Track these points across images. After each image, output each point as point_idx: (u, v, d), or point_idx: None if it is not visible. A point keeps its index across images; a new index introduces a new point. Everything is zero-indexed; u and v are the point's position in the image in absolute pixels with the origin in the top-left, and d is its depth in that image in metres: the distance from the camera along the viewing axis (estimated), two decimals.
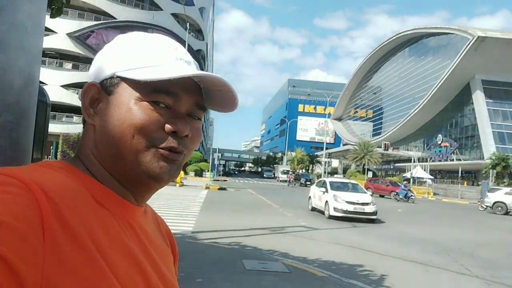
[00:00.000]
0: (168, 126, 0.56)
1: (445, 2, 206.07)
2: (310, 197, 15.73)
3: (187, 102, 0.59)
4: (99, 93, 0.59)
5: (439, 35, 61.59)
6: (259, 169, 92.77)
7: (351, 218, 12.74)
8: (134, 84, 0.56)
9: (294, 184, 40.46)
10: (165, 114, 0.57)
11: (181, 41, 40.27)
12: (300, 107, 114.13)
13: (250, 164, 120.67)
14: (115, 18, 39.83)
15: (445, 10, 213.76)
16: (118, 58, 0.59)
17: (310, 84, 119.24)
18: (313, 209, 15.12)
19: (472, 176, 55.57)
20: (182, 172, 30.73)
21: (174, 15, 44.22)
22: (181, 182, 24.30)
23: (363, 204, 13.07)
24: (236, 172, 79.87)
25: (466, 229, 13.98)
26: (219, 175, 45.73)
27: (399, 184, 34.16)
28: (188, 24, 32.95)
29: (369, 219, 13.00)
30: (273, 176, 64.02)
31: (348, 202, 12.94)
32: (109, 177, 0.57)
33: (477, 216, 20.05)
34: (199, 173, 36.75)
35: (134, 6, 41.84)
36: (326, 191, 13.88)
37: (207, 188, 23.73)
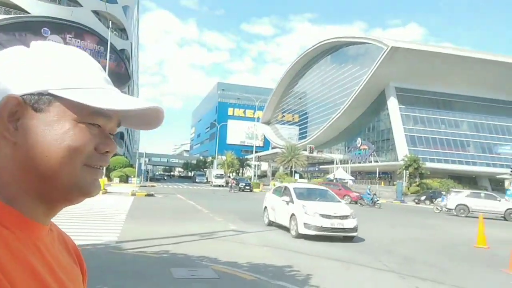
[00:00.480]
0: (103, 147, 0.58)
1: (362, 13, 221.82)
2: (265, 207, 12.91)
3: (113, 123, 0.61)
4: (18, 107, 0.54)
5: (358, 44, 65.83)
6: (190, 174, 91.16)
7: (326, 237, 10.06)
8: (72, 105, 0.55)
9: (235, 190, 39.14)
10: (98, 135, 0.58)
11: (103, 40, 38.29)
12: (230, 111, 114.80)
13: (180, 169, 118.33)
14: (28, 13, 36.67)
15: (362, 21, 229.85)
16: (44, 72, 0.55)
17: (239, 88, 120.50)
18: (271, 223, 12.31)
19: (388, 176, 60.05)
20: (105, 179, 29.14)
21: (95, 12, 41.92)
22: (104, 189, 23.02)
23: (341, 217, 10.09)
24: (165, 178, 77.35)
25: (384, 227, 15.07)
26: (146, 181, 44.11)
27: (350, 188, 34.89)
28: (110, 22, 31.45)
29: (348, 237, 10.18)
30: (205, 180, 60.27)
31: (323, 215, 9.99)
32: (20, 197, 0.55)
33: (395, 215, 21.72)
34: (124, 179, 35.13)
35: (50, 1, 38.89)
36: (291, 200, 10.93)
37: (133, 194, 22.75)
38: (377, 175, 52.76)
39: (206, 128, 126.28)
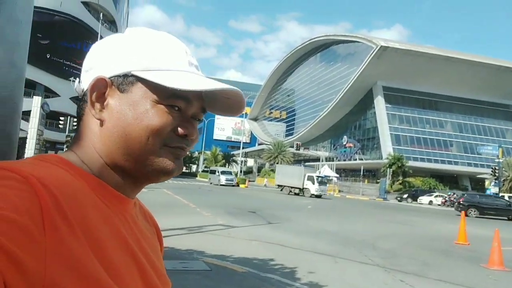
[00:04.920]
0: (180, 130, 0.60)
1: (348, 14, 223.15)
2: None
3: (195, 107, 0.63)
4: (106, 88, 0.59)
5: (347, 42, 66.29)
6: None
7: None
8: (152, 86, 0.58)
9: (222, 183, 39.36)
10: (177, 117, 0.60)
11: (93, 32, 37.74)
12: None
13: None
14: None
15: (348, 22, 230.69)
16: (131, 55, 0.59)
17: (227, 83, 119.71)
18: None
19: (372, 174, 60.90)
20: None
21: (85, 3, 41.25)
22: None
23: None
24: None
25: (367, 223, 15.38)
26: None
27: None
28: (101, 14, 31.02)
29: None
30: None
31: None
32: (108, 171, 0.59)
33: (378, 211, 22.10)
34: None
35: None
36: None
37: None
38: (362, 173, 53.44)
39: None
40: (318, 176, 33.44)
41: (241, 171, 66.06)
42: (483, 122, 60.45)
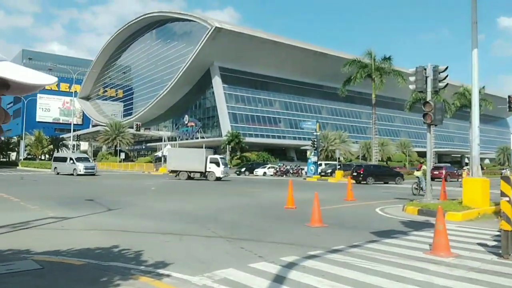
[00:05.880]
0: None
1: None
2: None
3: None
4: None
5: (183, 21, 65.95)
6: None
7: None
8: None
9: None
10: None
11: None
12: None
13: None
14: None
15: (182, 0, 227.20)
16: None
17: (51, 57, 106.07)
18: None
19: (213, 151, 63.20)
20: None
21: None
22: None
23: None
24: None
25: (211, 199, 16.06)
26: None
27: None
28: None
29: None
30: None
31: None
32: None
33: (220, 186, 23.20)
34: None
35: None
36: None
37: None
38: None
39: (9, 104, 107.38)
40: (222, 158, 32.42)
41: None
42: (304, 101, 69.08)
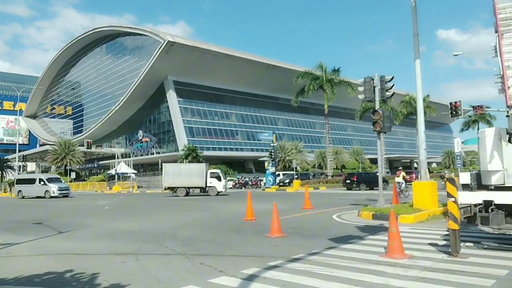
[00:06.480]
0: None
1: (131, 6, 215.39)
2: None
3: None
4: None
5: (134, 35, 64.78)
6: None
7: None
8: None
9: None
10: None
11: None
12: None
13: None
14: None
15: (132, 14, 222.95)
16: None
17: None
18: None
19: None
20: None
21: None
22: None
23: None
24: None
25: (169, 215, 15.66)
26: None
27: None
28: None
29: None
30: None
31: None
32: None
33: (178, 202, 22.70)
34: None
35: None
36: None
37: None
38: (160, 166, 53.80)
39: None
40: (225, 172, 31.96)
41: None
42: (260, 113, 69.74)
